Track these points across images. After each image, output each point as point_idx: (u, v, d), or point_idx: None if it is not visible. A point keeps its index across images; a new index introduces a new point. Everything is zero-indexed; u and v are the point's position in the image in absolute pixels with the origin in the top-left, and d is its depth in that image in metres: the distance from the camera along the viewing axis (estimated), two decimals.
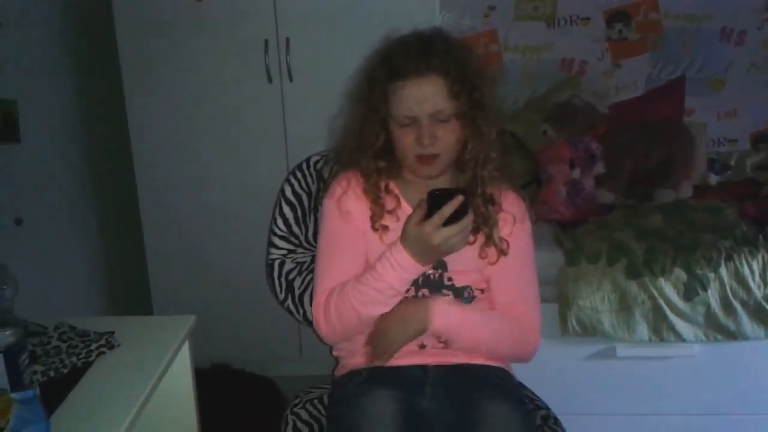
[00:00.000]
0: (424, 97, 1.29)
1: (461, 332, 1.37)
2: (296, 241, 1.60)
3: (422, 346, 1.42)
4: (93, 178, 2.59)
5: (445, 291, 1.41)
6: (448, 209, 1.21)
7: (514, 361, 1.50)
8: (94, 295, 2.63)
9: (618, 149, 2.53)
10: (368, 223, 1.41)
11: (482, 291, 1.45)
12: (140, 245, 2.58)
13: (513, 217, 1.43)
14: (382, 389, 1.32)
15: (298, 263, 1.59)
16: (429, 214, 1.22)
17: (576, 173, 2.45)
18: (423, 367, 1.40)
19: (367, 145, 1.40)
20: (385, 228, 1.39)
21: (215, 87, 2.39)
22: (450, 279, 1.42)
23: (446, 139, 1.33)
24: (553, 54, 2.88)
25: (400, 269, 1.29)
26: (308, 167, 1.65)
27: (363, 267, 1.40)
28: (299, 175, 1.64)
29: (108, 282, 2.70)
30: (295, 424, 1.48)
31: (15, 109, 2.08)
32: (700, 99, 2.77)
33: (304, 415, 1.51)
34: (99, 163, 2.63)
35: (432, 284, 1.41)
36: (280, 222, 1.60)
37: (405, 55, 1.32)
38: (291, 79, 2.36)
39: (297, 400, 1.57)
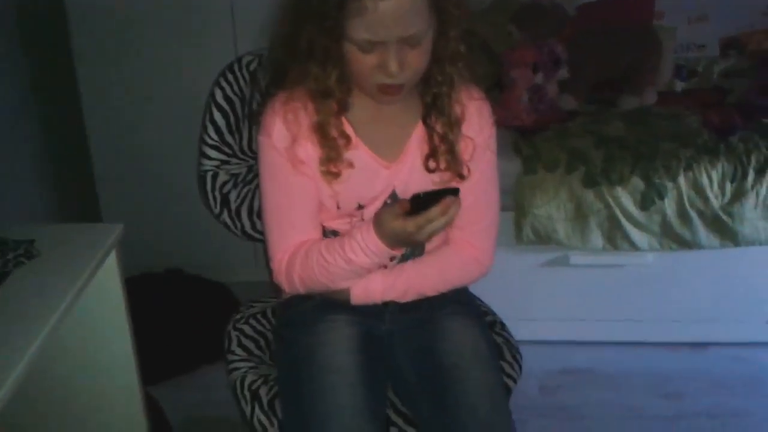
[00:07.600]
0: (398, 18, 1.02)
1: (387, 294, 1.28)
2: (229, 151, 1.47)
3: None
4: (32, 76, 2.44)
5: None
6: (436, 212, 1.10)
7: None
8: (40, 201, 2.53)
9: (583, 53, 2.44)
10: (317, 165, 1.21)
11: None
12: (86, 150, 2.48)
13: (474, 137, 1.25)
14: (338, 314, 1.26)
15: (232, 175, 1.48)
16: (412, 213, 1.11)
17: (539, 78, 2.36)
18: None
19: (318, 65, 1.14)
20: (337, 175, 1.20)
21: None
22: None
23: (416, 66, 1.11)
24: None
25: (372, 254, 1.18)
26: (240, 69, 1.47)
27: (318, 215, 1.27)
28: (230, 77, 1.47)
29: (53, 187, 2.60)
30: (239, 341, 1.45)
31: None
32: (671, 1, 2.66)
33: (248, 330, 1.48)
34: (38, 61, 2.47)
35: None
36: (211, 130, 1.47)
37: None
38: None
39: (239, 316, 1.53)
